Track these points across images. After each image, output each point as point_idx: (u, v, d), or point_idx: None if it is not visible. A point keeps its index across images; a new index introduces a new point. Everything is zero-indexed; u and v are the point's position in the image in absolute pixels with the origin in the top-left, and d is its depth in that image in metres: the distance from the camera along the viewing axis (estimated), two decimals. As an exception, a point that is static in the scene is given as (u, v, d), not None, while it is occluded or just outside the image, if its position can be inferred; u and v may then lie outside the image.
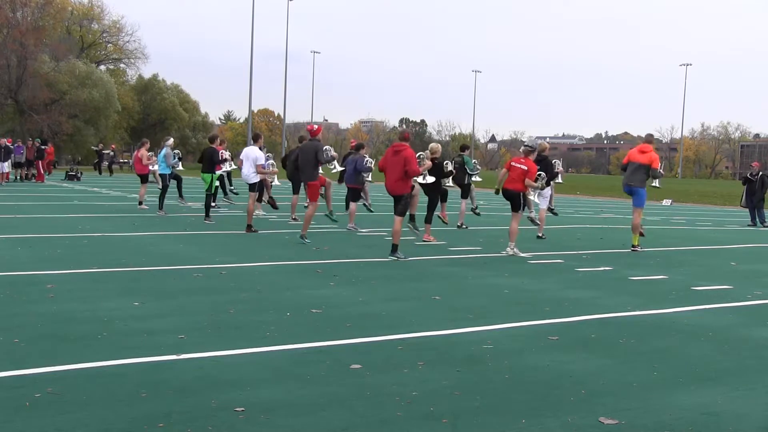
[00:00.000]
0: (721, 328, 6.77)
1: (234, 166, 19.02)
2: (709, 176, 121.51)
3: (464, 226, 15.50)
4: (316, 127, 12.57)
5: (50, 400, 4.21)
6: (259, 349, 5.49)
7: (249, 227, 13.61)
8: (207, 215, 15.28)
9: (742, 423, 4.26)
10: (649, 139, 13.02)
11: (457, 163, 15.21)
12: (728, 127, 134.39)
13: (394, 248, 10.74)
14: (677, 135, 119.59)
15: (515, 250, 11.58)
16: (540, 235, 13.86)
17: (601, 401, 4.54)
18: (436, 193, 13.33)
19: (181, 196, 18.51)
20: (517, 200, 11.73)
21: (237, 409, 4.16)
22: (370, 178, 15.29)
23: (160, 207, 16.99)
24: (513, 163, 11.90)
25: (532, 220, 12.01)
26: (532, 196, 13.23)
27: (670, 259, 11.90)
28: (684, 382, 5.04)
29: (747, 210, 22.34)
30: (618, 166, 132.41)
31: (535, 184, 11.92)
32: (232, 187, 19.94)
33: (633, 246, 12.74)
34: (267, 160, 15.25)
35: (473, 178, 15.65)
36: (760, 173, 21.96)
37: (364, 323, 6.46)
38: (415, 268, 9.85)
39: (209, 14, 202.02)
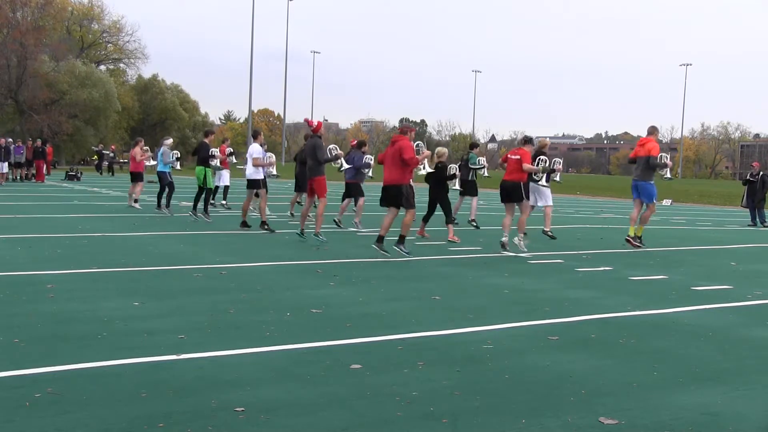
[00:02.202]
0: (721, 328, 6.76)
1: (235, 160, 18.90)
2: (709, 176, 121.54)
3: (476, 225, 15.58)
4: (315, 122, 12.40)
5: (50, 400, 4.21)
6: (259, 349, 5.48)
7: (263, 223, 13.79)
8: (205, 211, 15.29)
9: (742, 423, 4.26)
10: (650, 130, 13.14)
11: (464, 161, 15.38)
12: (728, 127, 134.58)
13: (401, 239, 10.65)
14: (677, 135, 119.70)
15: (522, 242, 11.55)
16: (547, 230, 14.06)
17: (601, 401, 4.54)
18: (442, 194, 13.38)
19: (168, 204, 17.90)
20: (518, 192, 11.68)
21: (237, 409, 4.16)
22: (371, 174, 15.29)
23: (158, 205, 16.96)
24: (509, 156, 11.97)
25: (503, 245, 11.75)
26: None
27: (670, 259, 11.89)
28: (684, 382, 5.03)
29: (747, 210, 22.36)
30: (618, 166, 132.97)
31: (535, 168, 11.92)
32: (224, 202, 19.24)
33: (637, 237, 12.81)
34: (264, 153, 15.04)
35: (483, 173, 15.66)
36: (761, 173, 21.98)
37: (364, 323, 6.46)
38: (415, 268, 9.85)
39: (209, 14, 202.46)
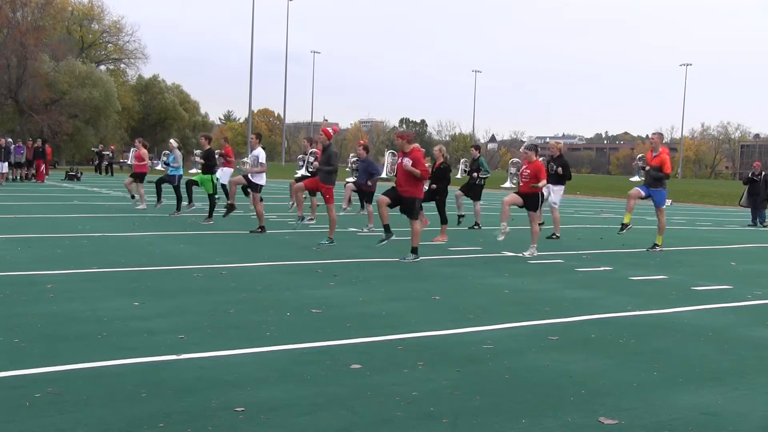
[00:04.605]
0: (721, 328, 6.76)
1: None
2: (709, 176, 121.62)
3: (479, 226, 15.59)
4: (331, 130, 12.56)
5: (50, 400, 4.21)
6: (259, 349, 5.48)
7: (227, 209, 13.98)
8: (210, 216, 15.29)
9: (742, 423, 4.26)
10: (658, 137, 12.93)
11: (476, 164, 15.52)
12: (728, 127, 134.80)
13: (414, 250, 10.57)
14: (677, 135, 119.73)
15: (533, 250, 11.49)
16: (557, 234, 14.04)
17: (601, 401, 4.54)
18: (440, 192, 13.38)
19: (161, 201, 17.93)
20: (533, 200, 11.65)
21: (237, 409, 4.16)
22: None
23: (178, 208, 16.87)
24: (525, 167, 11.76)
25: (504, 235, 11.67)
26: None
27: (670, 259, 11.89)
28: (684, 382, 5.03)
29: (747, 209, 22.37)
30: (618, 166, 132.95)
31: (539, 185, 11.89)
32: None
33: (654, 244, 12.76)
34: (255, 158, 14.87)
35: (482, 178, 15.71)
36: (763, 173, 21.96)
37: (364, 323, 6.46)
38: (415, 268, 9.84)
39: (209, 14, 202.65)
